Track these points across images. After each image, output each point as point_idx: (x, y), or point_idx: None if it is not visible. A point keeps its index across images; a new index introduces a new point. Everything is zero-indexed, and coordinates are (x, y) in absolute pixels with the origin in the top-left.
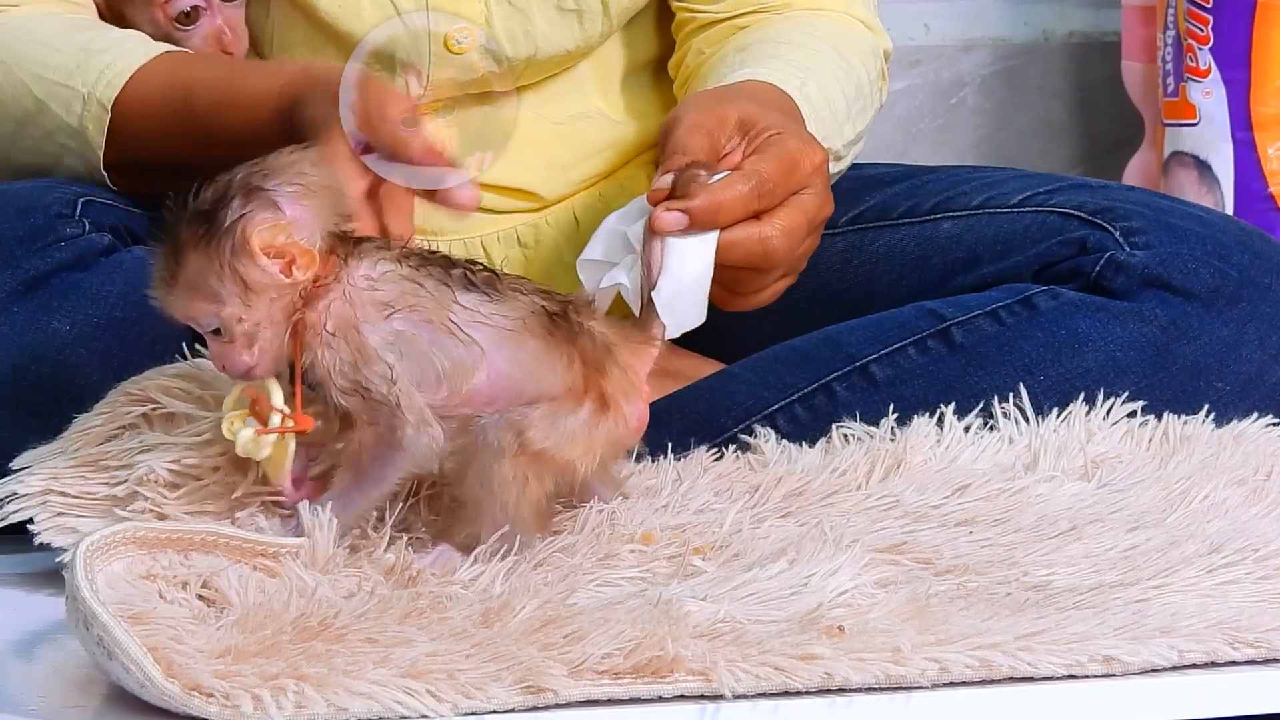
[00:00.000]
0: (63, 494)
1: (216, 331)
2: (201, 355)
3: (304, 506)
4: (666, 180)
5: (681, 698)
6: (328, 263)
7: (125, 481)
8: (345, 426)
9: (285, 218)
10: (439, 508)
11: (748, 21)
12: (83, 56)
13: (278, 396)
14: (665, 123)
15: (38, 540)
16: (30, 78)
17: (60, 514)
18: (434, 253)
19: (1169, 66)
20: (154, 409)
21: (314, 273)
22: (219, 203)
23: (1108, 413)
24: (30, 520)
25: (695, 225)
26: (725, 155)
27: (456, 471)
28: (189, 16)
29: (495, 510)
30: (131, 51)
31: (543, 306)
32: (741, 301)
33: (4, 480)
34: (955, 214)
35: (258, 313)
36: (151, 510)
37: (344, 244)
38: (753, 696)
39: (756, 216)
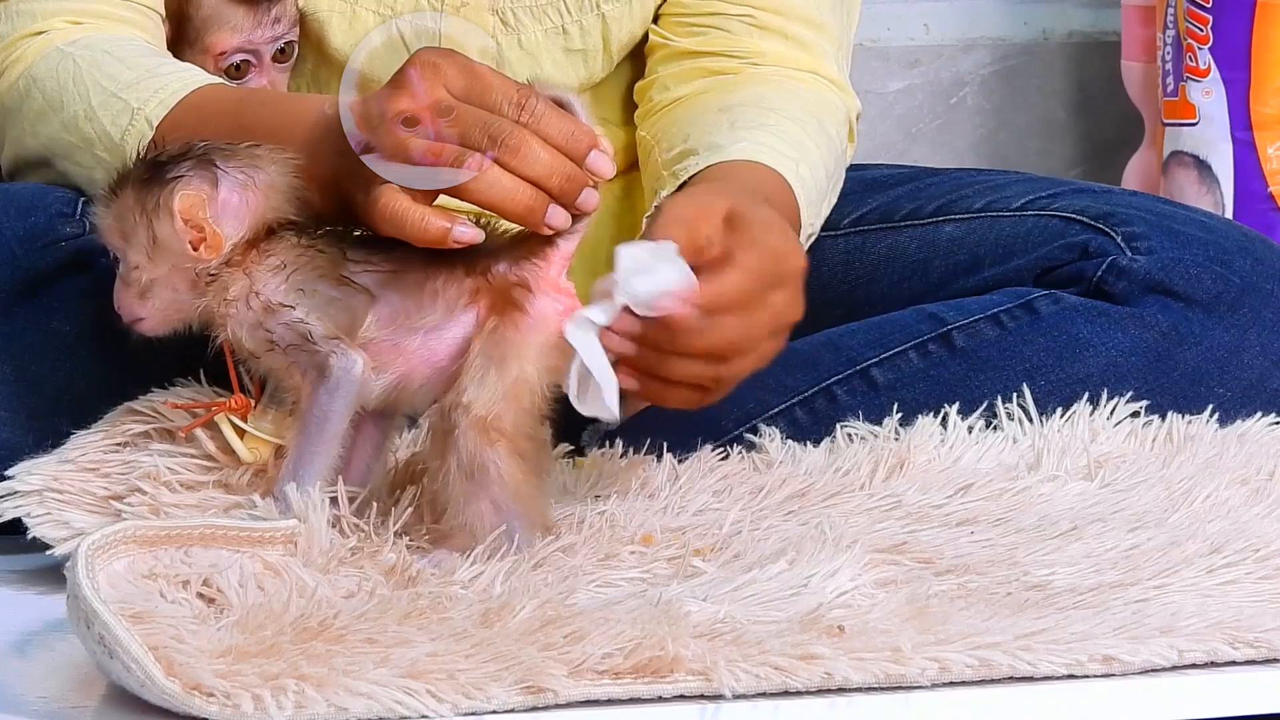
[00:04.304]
0: (60, 491)
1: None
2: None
3: (291, 489)
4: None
5: (681, 698)
6: (245, 254)
7: (125, 482)
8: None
9: (216, 196)
10: (440, 512)
11: (718, 66)
12: (145, 75)
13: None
14: (650, 216)
15: (31, 535)
16: (93, 84)
17: (56, 510)
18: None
19: (1169, 66)
20: (156, 427)
21: (216, 257)
22: (174, 159)
23: (1111, 412)
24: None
25: None
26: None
27: (435, 472)
28: (239, 70)
29: (483, 496)
30: (192, 80)
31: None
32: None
33: (3, 482)
34: (957, 217)
35: (157, 269)
36: (149, 505)
37: (267, 238)
38: (753, 696)
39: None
